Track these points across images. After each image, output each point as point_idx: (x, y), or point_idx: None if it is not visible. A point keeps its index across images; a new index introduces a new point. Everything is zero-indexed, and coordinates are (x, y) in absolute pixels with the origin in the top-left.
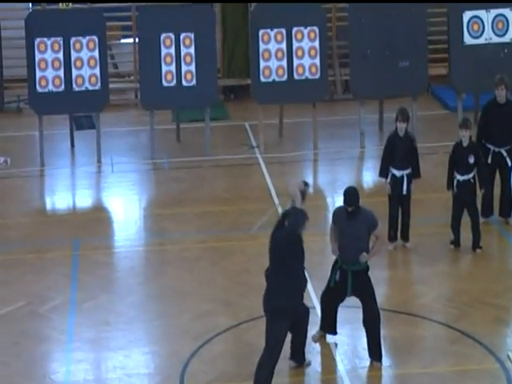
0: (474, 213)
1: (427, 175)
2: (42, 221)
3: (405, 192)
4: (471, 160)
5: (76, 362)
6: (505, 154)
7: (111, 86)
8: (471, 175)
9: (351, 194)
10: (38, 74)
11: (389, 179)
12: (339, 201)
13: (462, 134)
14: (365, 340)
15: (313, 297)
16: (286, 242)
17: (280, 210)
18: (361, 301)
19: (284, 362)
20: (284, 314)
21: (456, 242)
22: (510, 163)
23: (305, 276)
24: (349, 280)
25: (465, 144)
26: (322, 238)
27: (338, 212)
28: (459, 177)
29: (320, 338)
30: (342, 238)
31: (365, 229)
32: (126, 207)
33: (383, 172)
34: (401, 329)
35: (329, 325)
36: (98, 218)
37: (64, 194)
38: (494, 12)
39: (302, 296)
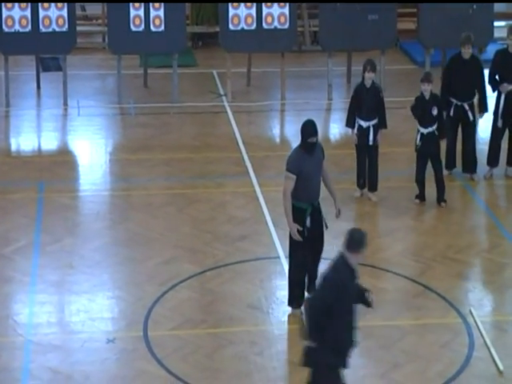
0: (438, 166)
1: (394, 129)
2: (7, 162)
3: (371, 142)
4: (435, 111)
5: (39, 304)
6: (467, 107)
7: (79, 28)
8: (435, 127)
9: (313, 123)
10: (4, 13)
11: (355, 130)
12: None
13: (424, 87)
14: None
15: (278, 246)
16: None
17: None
18: (315, 237)
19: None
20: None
21: (421, 197)
22: (471, 117)
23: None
24: (321, 216)
25: (427, 97)
26: None
27: (297, 157)
28: (423, 130)
29: None
30: (310, 179)
31: (321, 159)
32: (91, 151)
33: (350, 122)
34: (364, 281)
35: (299, 297)
36: (63, 161)
37: (29, 136)
38: None
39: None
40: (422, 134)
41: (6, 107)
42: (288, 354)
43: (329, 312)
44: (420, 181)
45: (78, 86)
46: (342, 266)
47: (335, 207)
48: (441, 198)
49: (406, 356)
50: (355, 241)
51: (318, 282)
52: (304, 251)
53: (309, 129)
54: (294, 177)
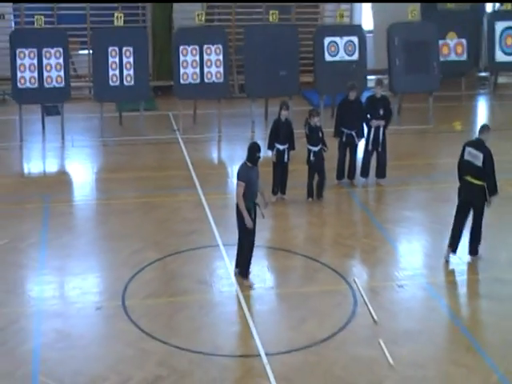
0: (322, 174)
1: (298, 153)
2: (21, 181)
3: (286, 160)
4: (320, 135)
5: (46, 283)
6: (354, 134)
7: (72, 84)
8: (320, 146)
9: (258, 144)
10: (19, 74)
11: (274, 151)
12: (236, 170)
13: (315, 120)
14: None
15: (218, 238)
16: None
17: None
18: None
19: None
20: None
21: (312, 195)
22: (357, 141)
23: None
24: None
25: (318, 124)
26: (224, 196)
27: (246, 169)
28: (314, 148)
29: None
30: (253, 185)
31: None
32: (82, 172)
33: (270, 146)
34: (280, 261)
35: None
36: (62, 180)
37: (37, 162)
38: (345, 38)
39: None
40: (314, 152)
41: (20, 141)
42: (226, 314)
43: None
44: (311, 184)
45: (71, 125)
46: None
47: (265, 200)
48: (320, 194)
49: (310, 313)
50: None
51: None
52: (252, 236)
53: (256, 147)
54: (244, 184)
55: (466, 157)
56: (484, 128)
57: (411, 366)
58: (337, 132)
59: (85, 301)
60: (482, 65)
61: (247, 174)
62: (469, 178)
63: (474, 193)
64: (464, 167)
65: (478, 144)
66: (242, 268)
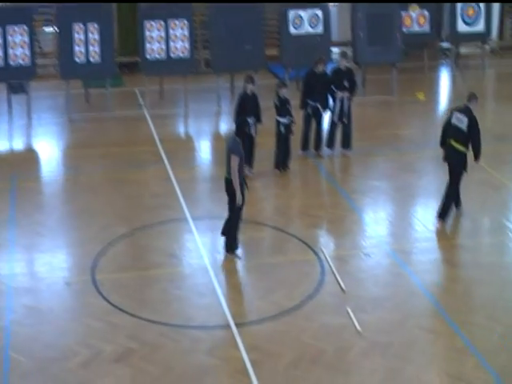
0: (288, 143)
1: (265, 125)
2: None
3: (253, 133)
4: (290, 107)
5: (16, 260)
6: (319, 106)
7: (38, 61)
8: (289, 117)
9: (247, 119)
10: None
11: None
12: (205, 145)
13: (283, 91)
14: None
15: (186, 211)
16: None
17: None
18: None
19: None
20: None
21: (278, 167)
22: (322, 112)
23: None
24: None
25: (287, 97)
26: (192, 170)
27: (238, 144)
28: (283, 120)
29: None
30: (243, 160)
31: None
32: (49, 150)
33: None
34: (248, 233)
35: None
36: (29, 158)
37: (4, 141)
38: (310, 11)
39: None
40: (284, 123)
41: None
42: (196, 286)
43: None
44: (279, 156)
45: (38, 103)
46: None
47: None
48: (286, 165)
49: (279, 283)
50: None
51: None
52: (241, 210)
53: (245, 121)
54: (238, 158)
55: (453, 120)
56: (471, 96)
57: (379, 332)
58: (303, 104)
59: (54, 276)
60: (444, 35)
61: (240, 148)
62: (452, 142)
63: (455, 158)
64: (450, 131)
65: (465, 110)
66: (231, 242)
